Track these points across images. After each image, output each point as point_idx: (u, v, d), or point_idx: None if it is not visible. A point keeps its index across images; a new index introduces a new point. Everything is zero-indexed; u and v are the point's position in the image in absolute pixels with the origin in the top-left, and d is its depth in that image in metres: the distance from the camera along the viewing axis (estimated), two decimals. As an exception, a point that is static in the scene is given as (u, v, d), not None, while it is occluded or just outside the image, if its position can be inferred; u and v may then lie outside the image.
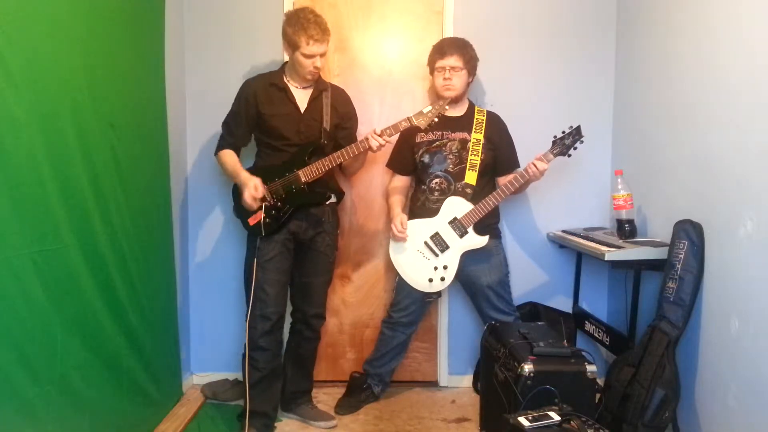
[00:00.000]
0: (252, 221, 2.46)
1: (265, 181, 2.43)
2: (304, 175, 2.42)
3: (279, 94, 2.50)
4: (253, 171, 2.49)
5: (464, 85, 2.66)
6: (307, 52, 2.37)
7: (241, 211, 2.51)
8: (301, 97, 2.52)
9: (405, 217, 2.65)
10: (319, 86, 2.55)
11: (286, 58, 2.50)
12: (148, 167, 2.50)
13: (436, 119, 2.42)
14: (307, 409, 2.69)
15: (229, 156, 2.54)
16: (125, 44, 2.28)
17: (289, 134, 2.49)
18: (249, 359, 2.46)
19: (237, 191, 2.52)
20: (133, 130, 2.33)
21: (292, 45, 2.39)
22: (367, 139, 2.38)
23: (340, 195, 2.66)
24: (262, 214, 2.43)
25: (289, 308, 2.65)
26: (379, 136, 2.37)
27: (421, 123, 2.40)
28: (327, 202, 2.56)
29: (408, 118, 2.40)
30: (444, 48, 2.64)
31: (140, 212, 2.39)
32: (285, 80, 2.51)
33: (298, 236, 2.52)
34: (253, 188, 2.37)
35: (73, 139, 1.89)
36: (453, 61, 2.60)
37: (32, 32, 1.69)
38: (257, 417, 2.48)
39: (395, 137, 2.53)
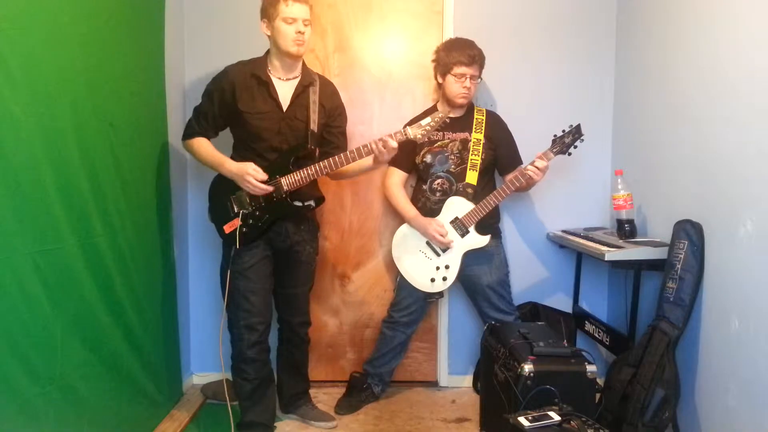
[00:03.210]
0: (228, 229, 2.28)
1: (240, 187, 2.25)
2: (287, 183, 2.23)
3: (260, 88, 2.28)
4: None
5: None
6: (287, 15, 2.13)
7: (216, 215, 2.35)
8: (285, 92, 2.30)
9: (437, 220, 2.59)
10: (305, 79, 2.33)
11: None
12: (148, 167, 2.50)
13: (435, 132, 2.36)
14: (307, 409, 2.68)
15: (204, 144, 2.33)
16: (125, 44, 2.27)
17: (268, 136, 2.28)
18: (238, 371, 2.39)
19: (215, 193, 2.38)
20: (133, 130, 2.33)
21: (270, 15, 2.17)
22: (384, 140, 2.17)
23: (320, 200, 2.44)
24: (239, 222, 2.26)
25: (275, 315, 2.58)
26: (382, 141, 2.18)
27: (417, 136, 2.22)
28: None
29: (404, 131, 2.22)
30: (473, 56, 2.56)
31: (140, 212, 2.39)
32: (268, 71, 2.29)
33: (275, 244, 2.38)
34: (254, 171, 2.19)
35: (72, 139, 1.89)
36: (474, 70, 2.58)
37: (32, 32, 1.68)
38: (255, 428, 2.44)
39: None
